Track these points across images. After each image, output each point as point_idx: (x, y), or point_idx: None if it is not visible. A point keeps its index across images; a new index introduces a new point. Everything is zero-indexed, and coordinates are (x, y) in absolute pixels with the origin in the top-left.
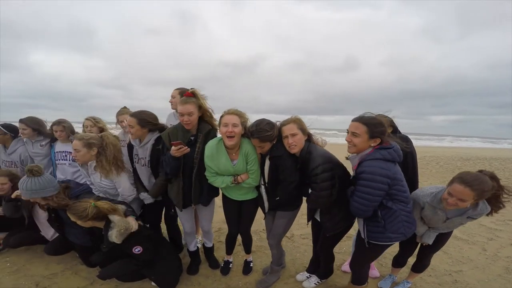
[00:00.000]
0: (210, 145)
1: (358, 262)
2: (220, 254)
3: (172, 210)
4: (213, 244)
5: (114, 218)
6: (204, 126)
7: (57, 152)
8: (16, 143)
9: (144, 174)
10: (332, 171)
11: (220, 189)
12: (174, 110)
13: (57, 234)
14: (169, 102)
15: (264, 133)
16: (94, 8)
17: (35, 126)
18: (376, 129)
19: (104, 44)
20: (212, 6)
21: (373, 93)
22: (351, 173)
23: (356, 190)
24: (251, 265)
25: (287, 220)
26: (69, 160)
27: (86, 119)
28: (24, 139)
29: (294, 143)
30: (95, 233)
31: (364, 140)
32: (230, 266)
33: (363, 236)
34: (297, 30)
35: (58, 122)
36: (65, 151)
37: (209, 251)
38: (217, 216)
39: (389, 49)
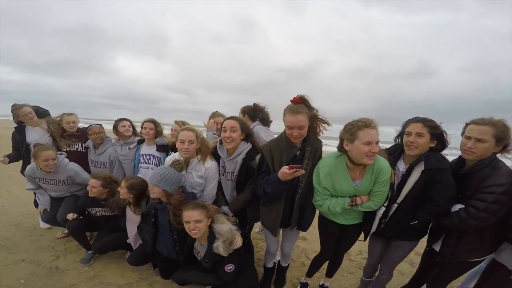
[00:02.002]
0: (328, 162)
1: None
2: (292, 273)
3: (247, 227)
4: (288, 264)
5: (222, 228)
6: (312, 140)
7: (141, 154)
8: (106, 144)
9: (228, 188)
10: (510, 197)
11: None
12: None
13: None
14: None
15: (432, 122)
16: (169, 16)
17: (134, 127)
18: None
19: (175, 51)
20: (273, 12)
21: (449, 103)
22: None
23: None
24: None
25: (409, 250)
26: (152, 165)
27: (175, 122)
28: (113, 141)
29: (475, 150)
30: (183, 246)
31: None
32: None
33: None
34: (361, 35)
35: (152, 120)
36: (150, 154)
37: (282, 270)
38: None
39: (470, 54)
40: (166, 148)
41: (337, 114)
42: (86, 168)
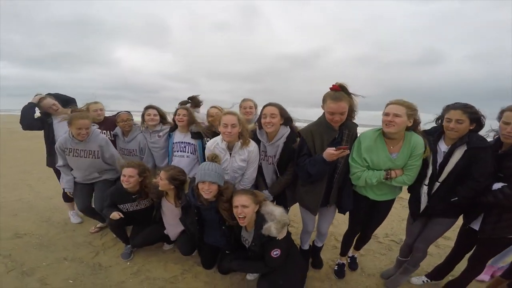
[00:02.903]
0: (368, 135)
1: None
2: (326, 255)
3: (288, 209)
4: (323, 244)
5: (274, 210)
6: (349, 123)
7: (175, 143)
8: (135, 131)
9: (270, 171)
10: None
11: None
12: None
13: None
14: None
15: (471, 108)
16: (169, 5)
17: (162, 115)
18: None
19: (175, 40)
20: (276, 1)
21: (454, 90)
22: None
23: None
24: (357, 261)
25: (447, 227)
26: (187, 152)
27: (212, 107)
28: (142, 128)
29: None
30: (230, 236)
31: None
32: (344, 268)
33: None
34: (367, 23)
35: (185, 107)
36: (185, 142)
37: (317, 251)
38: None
39: (475, 43)
40: (201, 135)
41: None
42: None
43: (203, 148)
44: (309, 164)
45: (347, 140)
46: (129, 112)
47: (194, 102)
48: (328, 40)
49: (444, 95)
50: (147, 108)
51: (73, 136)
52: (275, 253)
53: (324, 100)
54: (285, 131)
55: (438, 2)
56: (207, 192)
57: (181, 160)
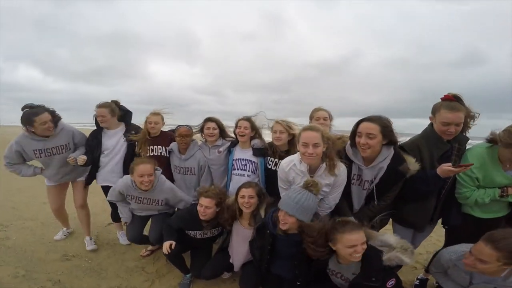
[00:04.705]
0: (480, 152)
1: None
2: (408, 277)
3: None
4: None
5: (388, 239)
6: (460, 136)
7: (235, 159)
8: (193, 147)
9: (361, 197)
10: None
11: None
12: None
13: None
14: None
15: None
16: (197, 17)
17: (222, 128)
18: None
19: (203, 53)
20: (300, 7)
21: (502, 91)
22: None
23: None
24: None
25: None
26: (248, 171)
27: (276, 122)
28: (199, 143)
29: None
30: (304, 270)
31: None
32: (427, 284)
33: None
34: (401, 24)
35: (247, 118)
36: (245, 159)
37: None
38: None
39: None
40: (264, 152)
41: (371, 107)
42: (169, 175)
43: (266, 168)
44: (418, 180)
45: (457, 154)
46: (189, 126)
47: None
48: (358, 44)
49: (490, 97)
50: (206, 120)
51: (135, 185)
52: (391, 283)
53: (436, 110)
54: (389, 152)
55: (475, 1)
56: (282, 222)
57: (241, 180)
